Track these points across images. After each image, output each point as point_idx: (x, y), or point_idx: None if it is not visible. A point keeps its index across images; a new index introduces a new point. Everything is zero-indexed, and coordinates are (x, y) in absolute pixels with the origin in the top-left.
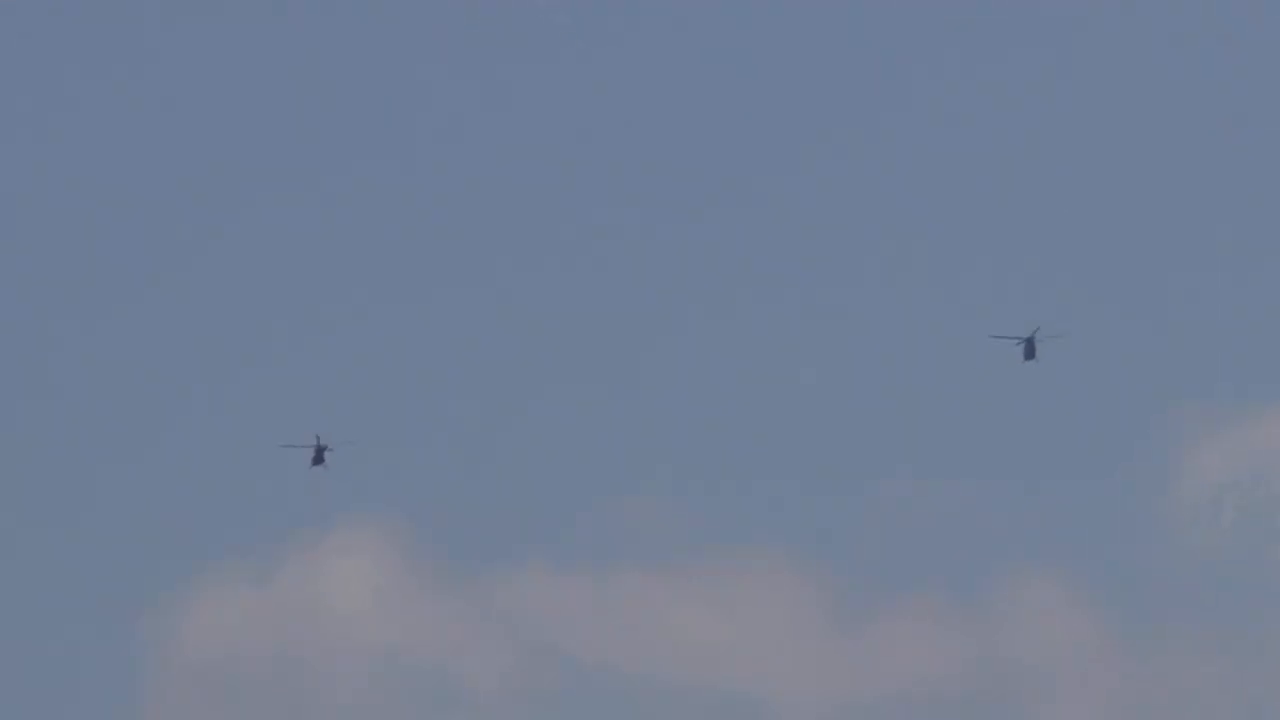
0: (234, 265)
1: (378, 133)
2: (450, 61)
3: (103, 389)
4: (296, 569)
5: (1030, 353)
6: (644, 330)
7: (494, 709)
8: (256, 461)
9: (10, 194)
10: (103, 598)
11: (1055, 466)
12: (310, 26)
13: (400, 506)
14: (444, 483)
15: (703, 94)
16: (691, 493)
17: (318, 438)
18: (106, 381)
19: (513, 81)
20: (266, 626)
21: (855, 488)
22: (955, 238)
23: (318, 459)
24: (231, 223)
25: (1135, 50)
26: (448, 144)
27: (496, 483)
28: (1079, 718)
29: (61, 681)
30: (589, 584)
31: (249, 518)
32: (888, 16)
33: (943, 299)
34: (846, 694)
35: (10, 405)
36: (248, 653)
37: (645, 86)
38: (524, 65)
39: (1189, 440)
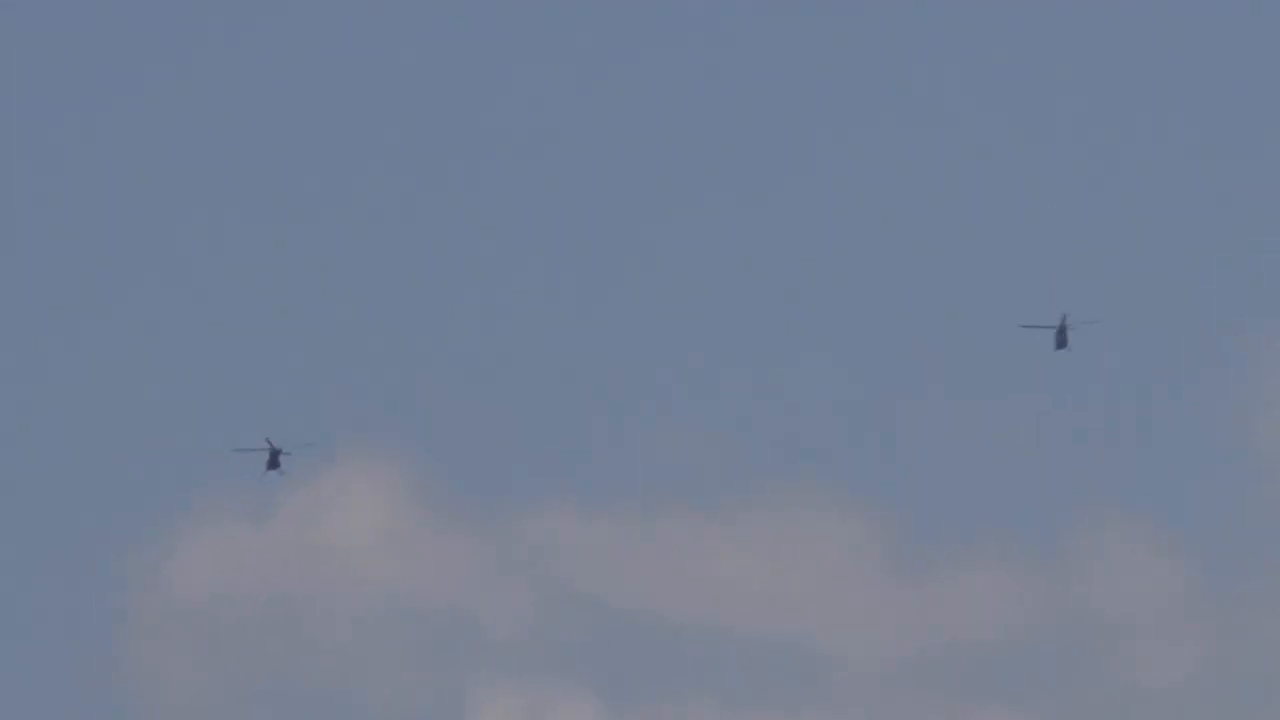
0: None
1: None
2: None
3: (85, 289)
4: (296, 504)
5: (1062, 341)
6: (686, 246)
7: (514, 657)
8: (249, 386)
9: None
10: (85, 532)
11: (1135, 404)
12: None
13: (411, 437)
14: (460, 412)
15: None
16: (739, 425)
17: (268, 440)
18: (90, 283)
19: None
20: (262, 566)
21: (918, 424)
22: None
23: (273, 463)
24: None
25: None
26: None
27: (520, 412)
28: (1162, 673)
29: (42, 621)
30: (622, 524)
31: (246, 448)
32: None
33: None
34: (908, 645)
35: None
36: (241, 594)
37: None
38: None
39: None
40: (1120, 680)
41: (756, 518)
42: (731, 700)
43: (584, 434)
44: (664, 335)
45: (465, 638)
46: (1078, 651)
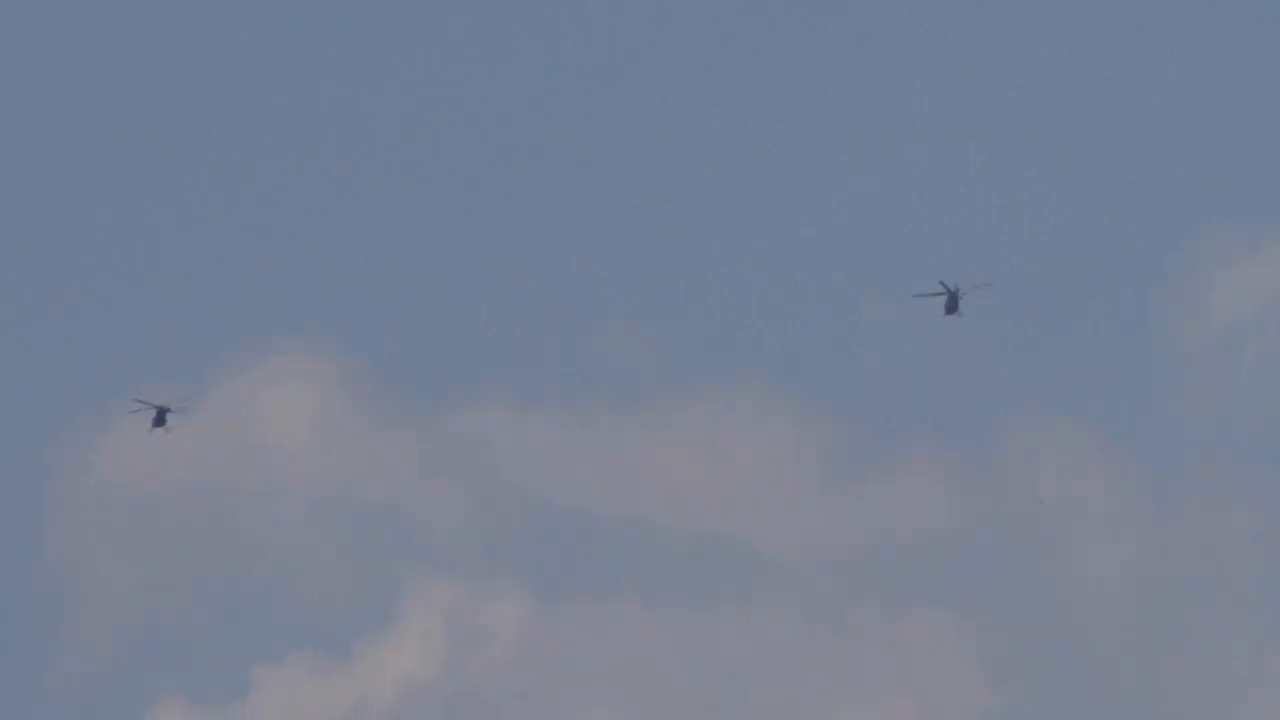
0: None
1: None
2: None
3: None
4: (225, 395)
5: (953, 306)
6: (623, 146)
7: (449, 551)
8: (181, 279)
9: None
10: (14, 422)
11: (1073, 307)
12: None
13: (347, 332)
14: (397, 307)
15: None
16: (675, 323)
17: (142, 402)
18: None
19: None
20: (190, 457)
21: (855, 325)
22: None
23: (159, 420)
24: None
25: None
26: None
27: (457, 309)
28: (1093, 570)
29: None
30: (556, 422)
31: (172, 338)
32: None
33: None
34: (842, 544)
35: None
36: (169, 486)
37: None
38: None
39: (1209, 275)
40: (1052, 578)
41: (692, 417)
42: (659, 595)
43: (521, 332)
44: (607, 235)
45: (397, 531)
46: (1009, 551)
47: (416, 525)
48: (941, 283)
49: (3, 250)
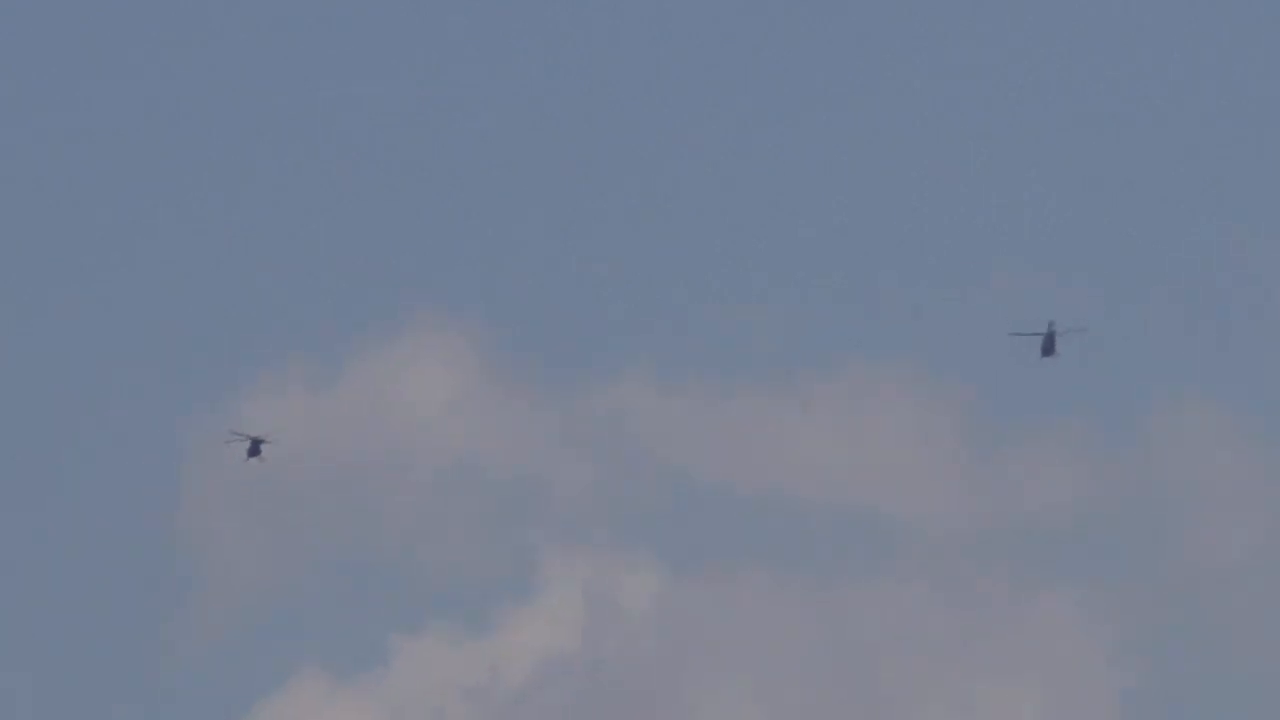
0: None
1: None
2: None
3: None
4: (362, 371)
5: (1050, 348)
6: (759, 126)
7: (587, 524)
8: (314, 253)
9: None
10: (153, 398)
11: (1215, 292)
12: None
13: (483, 306)
14: (534, 283)
15: None
16: (816, 301)
17: (237, 433)
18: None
19: None
20: (327, 432)
21: (995, 302)
22: None
23: (254, 451)
24: None
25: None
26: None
27: (594, 285)
28: (1226, 552)
29: (108, 485)
30: (694, 397)
31: (309, 313)
32: None
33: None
34: (979, 520)
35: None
36: (305, 459)
37: None
38: None
39: None
40: (1185, 558)
41: (832, 392)
42: (794, 570)
43: (662, 308)
44: (743, 215)
45: (536, 504)
46: (1144, 529)
47: (555, 498)
48: (1050, 324)
49: (130, 230)
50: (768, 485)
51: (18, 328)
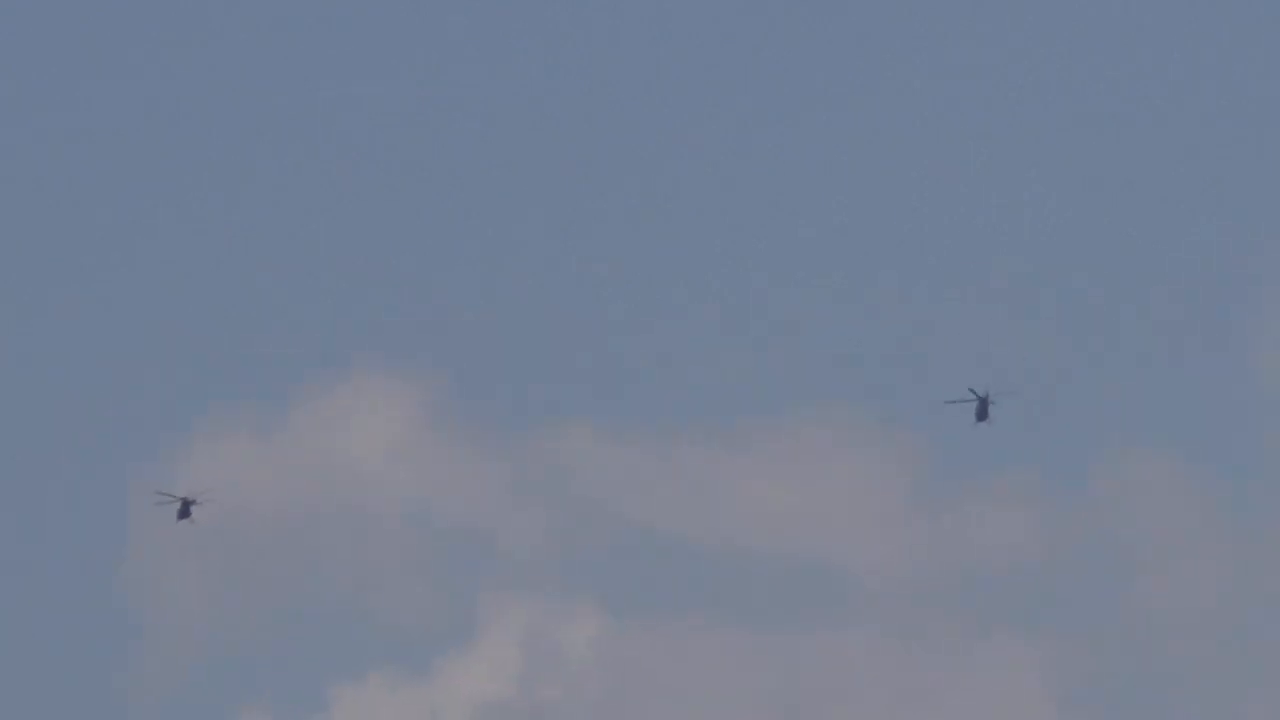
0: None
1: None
2: None
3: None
4: (307, 418)
5: (983, 413)
6: (708, 165)
7: (529, 571)
8: (268, 298)
9: None
10: (96, 444)
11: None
12: None
13: (430, 354)
14: (481, 332)
15: None
16: (763, 349)
17: (165, 494)
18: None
19: None
20: (272, 479)
21: (940, 353)
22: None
23: (184, 513)
24: None
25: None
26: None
27: (541, 336)
28: (1176, 603)
29: (52, 533)
30: (639, 445)
31: (254, 359)
32: None
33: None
34: (925, 570)
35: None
36: (248, 507)
37: None
38: None
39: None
40: (1132, 607)
41: (778, 441)
42: (738, 618)
43: (606, 356)
44: (686, 257)
45: (477, 551)
46: (1092, 580)
47: (497, 545)
48: (971, 390)
49: (69, 262)
50: (715, 534)
51: None
